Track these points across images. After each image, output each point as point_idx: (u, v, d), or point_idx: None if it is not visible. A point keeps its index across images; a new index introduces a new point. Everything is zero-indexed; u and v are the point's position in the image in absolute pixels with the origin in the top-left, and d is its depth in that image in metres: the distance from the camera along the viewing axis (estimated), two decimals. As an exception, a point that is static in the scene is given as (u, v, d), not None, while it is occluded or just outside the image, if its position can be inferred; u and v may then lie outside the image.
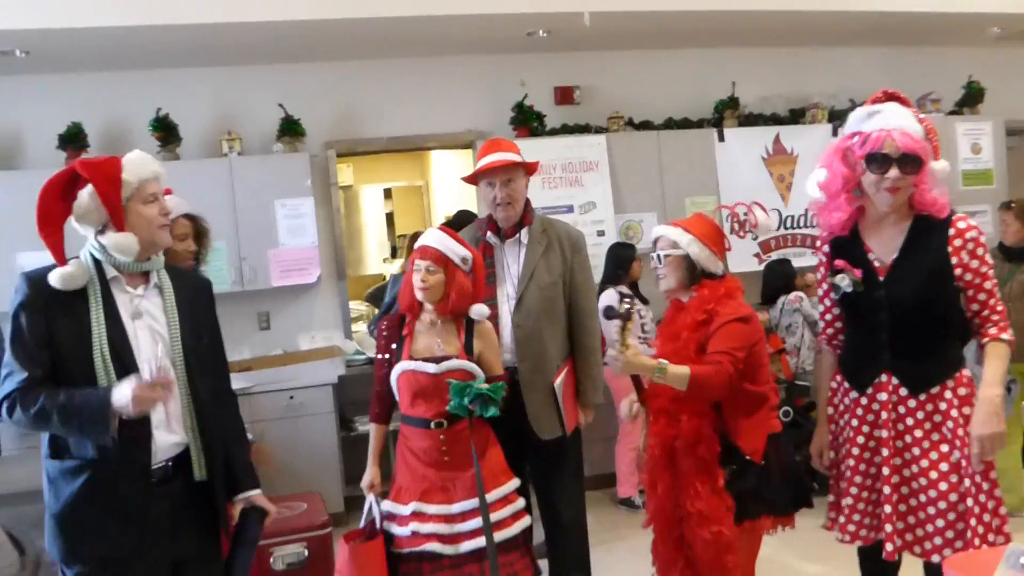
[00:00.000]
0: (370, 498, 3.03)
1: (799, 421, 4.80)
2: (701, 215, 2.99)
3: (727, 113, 6.16)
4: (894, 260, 2.57)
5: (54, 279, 2.25)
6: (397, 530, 2.92)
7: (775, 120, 6.30)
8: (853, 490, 2.66)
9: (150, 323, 2.37)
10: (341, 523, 4.80)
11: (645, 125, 6.10)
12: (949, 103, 6.56)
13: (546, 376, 3.34)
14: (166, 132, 5.40)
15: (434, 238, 3.01)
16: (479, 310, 3.06)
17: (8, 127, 5.42)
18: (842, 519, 2.70)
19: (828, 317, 2.84)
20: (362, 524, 3.01)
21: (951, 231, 2.50)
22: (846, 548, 2.77)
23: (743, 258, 5.97)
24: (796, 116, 6.33)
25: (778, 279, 5.37)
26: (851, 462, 2.67)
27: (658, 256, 2.88)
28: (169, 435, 2.35)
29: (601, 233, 5.73)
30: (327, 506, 3.94)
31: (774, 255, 5.96)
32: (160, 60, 5.44)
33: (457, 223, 5.49)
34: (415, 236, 4.85)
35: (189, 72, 5.62)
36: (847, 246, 2.65)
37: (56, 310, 2.26)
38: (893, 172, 2.47)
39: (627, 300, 2.59)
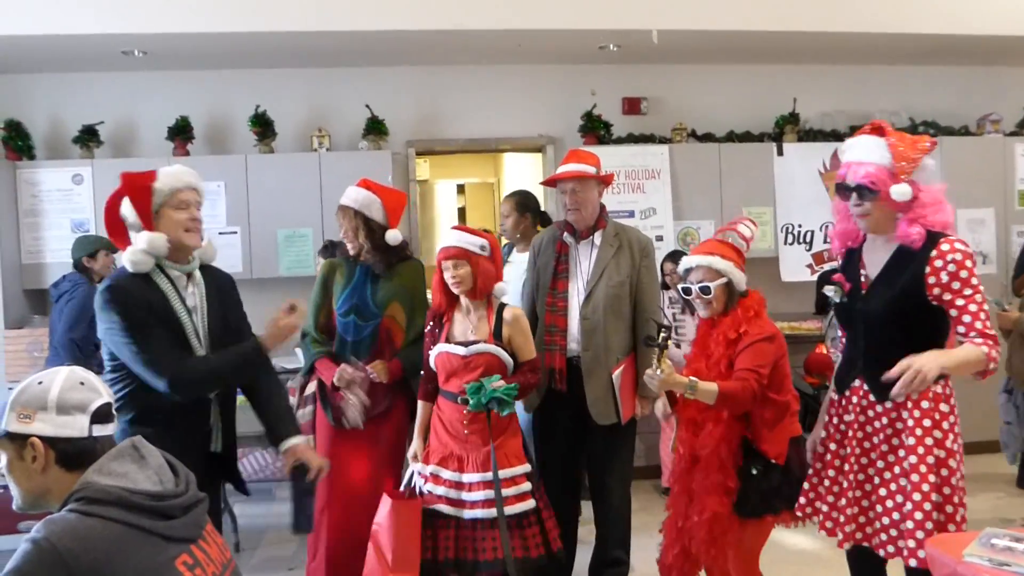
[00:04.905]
0: (414, 466, 3.41)
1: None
2: (715, 240, 3.11)
3: (787, 128, 6.32)
4: (876, 276, 2.72)
5: (126, 260, 2.67)
6: (420, 485, 3.35)
7: (835, 136, 6.37)
8: (836, 488, 2.79)
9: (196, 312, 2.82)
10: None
11: (707, 137, 6.33)
12: (1010, 124, 6.58)
13: (606, 366, 3.66)
14: (263, 127, 5.87)
15: (452, 238, 3.41)
16: (499, 288, 3.47)
17: (126, 119, 5.97)
18: (828, 510, 2.82)
19: None
20: (402, 488, 3.41)
21: (933, 252, 2.56)
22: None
23: (796, 268, 6.24)
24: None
25: (828, 289, 5.56)
26: (828, 457, 2.83)
27: (704, 287, 2.99)
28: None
29: (660, 239, 5.97)
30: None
31: (826, 266, 6.16)
32: (260, 61, 5.90)
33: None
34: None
35: (286, 73, 6.07)
36: (852, 259, 2.83)
37: (155, 313, 2.67)
38: (853, 199, 2.67)
39: (665, 330, 2.90)
